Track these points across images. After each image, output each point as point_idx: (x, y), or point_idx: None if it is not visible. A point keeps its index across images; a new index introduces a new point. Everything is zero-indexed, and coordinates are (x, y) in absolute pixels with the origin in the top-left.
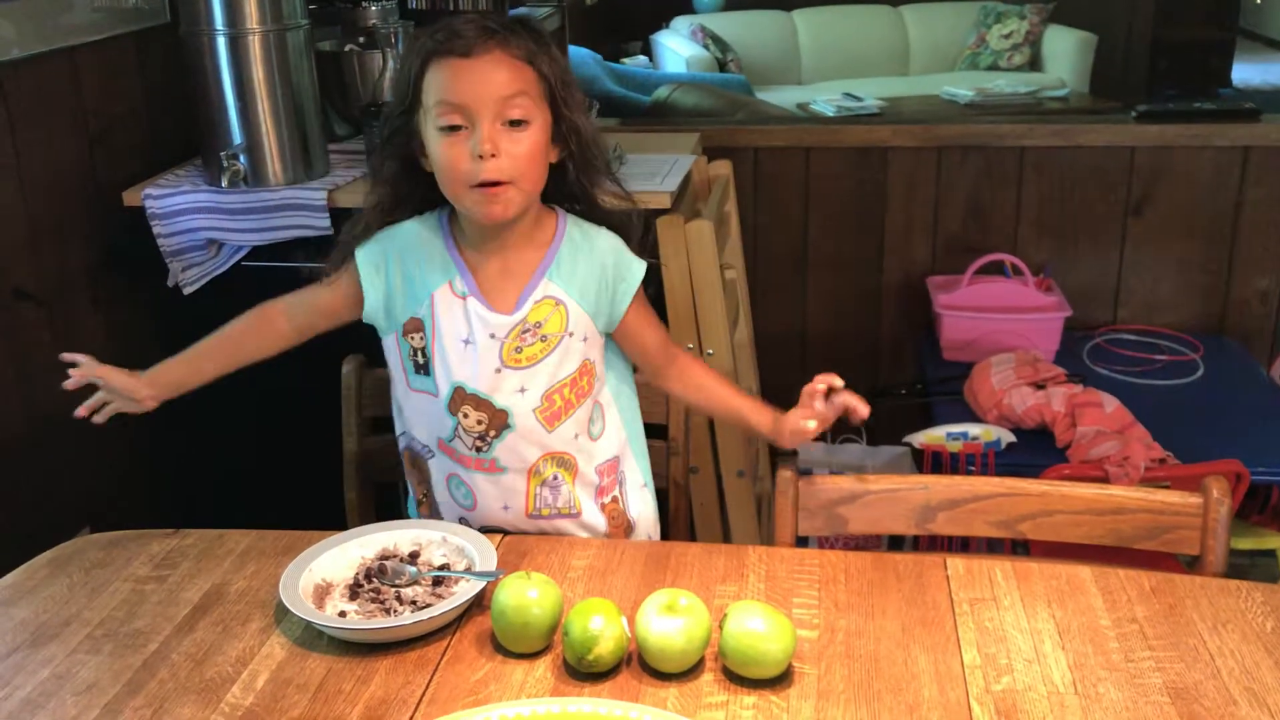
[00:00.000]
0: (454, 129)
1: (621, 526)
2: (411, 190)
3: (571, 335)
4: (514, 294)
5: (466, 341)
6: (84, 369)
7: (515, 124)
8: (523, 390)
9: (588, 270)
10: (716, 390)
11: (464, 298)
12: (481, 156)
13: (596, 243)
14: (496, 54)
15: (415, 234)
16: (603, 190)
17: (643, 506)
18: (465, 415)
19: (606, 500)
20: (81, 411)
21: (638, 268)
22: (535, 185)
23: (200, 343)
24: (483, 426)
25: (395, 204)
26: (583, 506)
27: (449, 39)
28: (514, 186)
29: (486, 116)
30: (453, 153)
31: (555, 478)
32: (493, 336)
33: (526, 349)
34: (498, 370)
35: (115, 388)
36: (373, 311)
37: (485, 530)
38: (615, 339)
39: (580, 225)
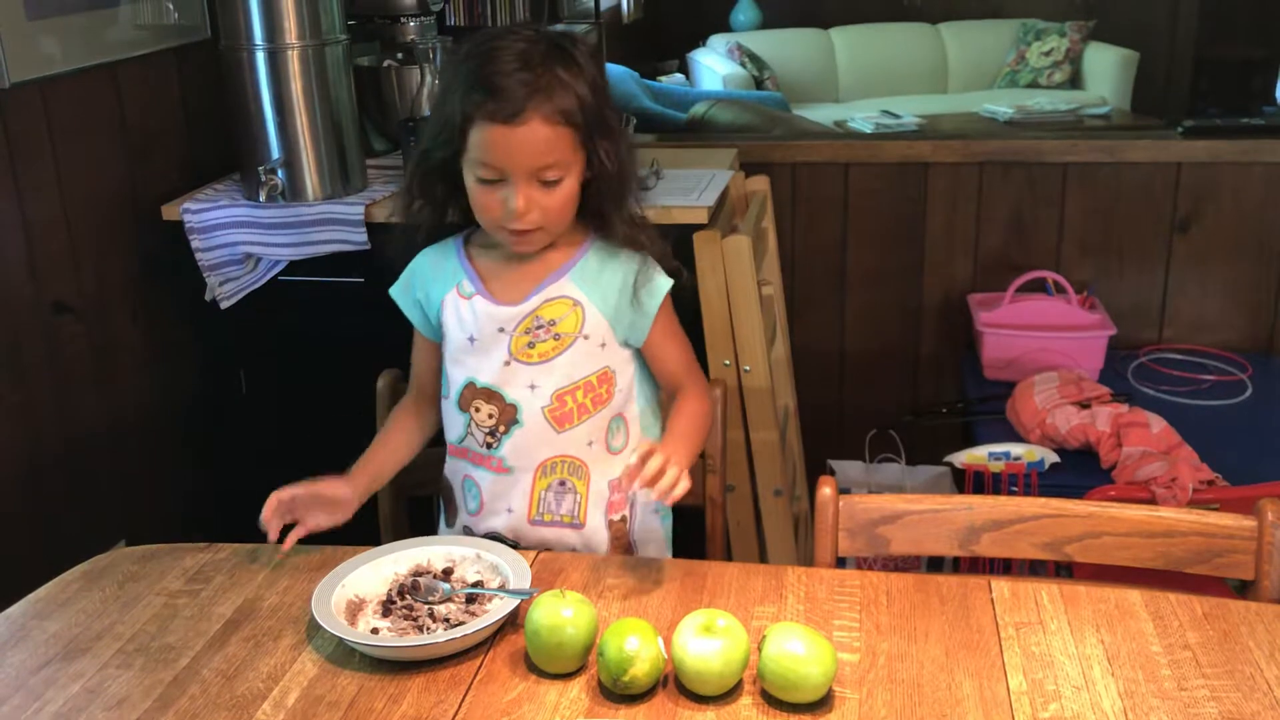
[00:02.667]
0: (490, 181)
1: (621, 547)
2: (456, 203)
3: (587, 338)
4: (527, 288)
5: (472, 339)
6: (283, 505)
7: (549, 183)
8: (533, 387)
9: (611, 277)
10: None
11: (470, 297)
12: (511, 214)
13: (623, 258)
14: (536, 122)
15: (429, 259)
16: (626, 214)
17: (651, 531)
18: (477, 409)
19: (615, 517)
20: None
21: (663, 280)
22: (565, 223)
23: (372, 449)
24: (493, 421)
25: (440, 218)
26: (588, 518)
27: (492, 97)
28: (543, 231)
29: (521, 178)
30: (488, 200)
31: (563, 483)
32: (501, 330)
33: (539, 344)
34: (507, 364)
35: (320, 493)
36: (433, 333)
37: (489, 537)
38: (644, 354)
39: (608, 243)
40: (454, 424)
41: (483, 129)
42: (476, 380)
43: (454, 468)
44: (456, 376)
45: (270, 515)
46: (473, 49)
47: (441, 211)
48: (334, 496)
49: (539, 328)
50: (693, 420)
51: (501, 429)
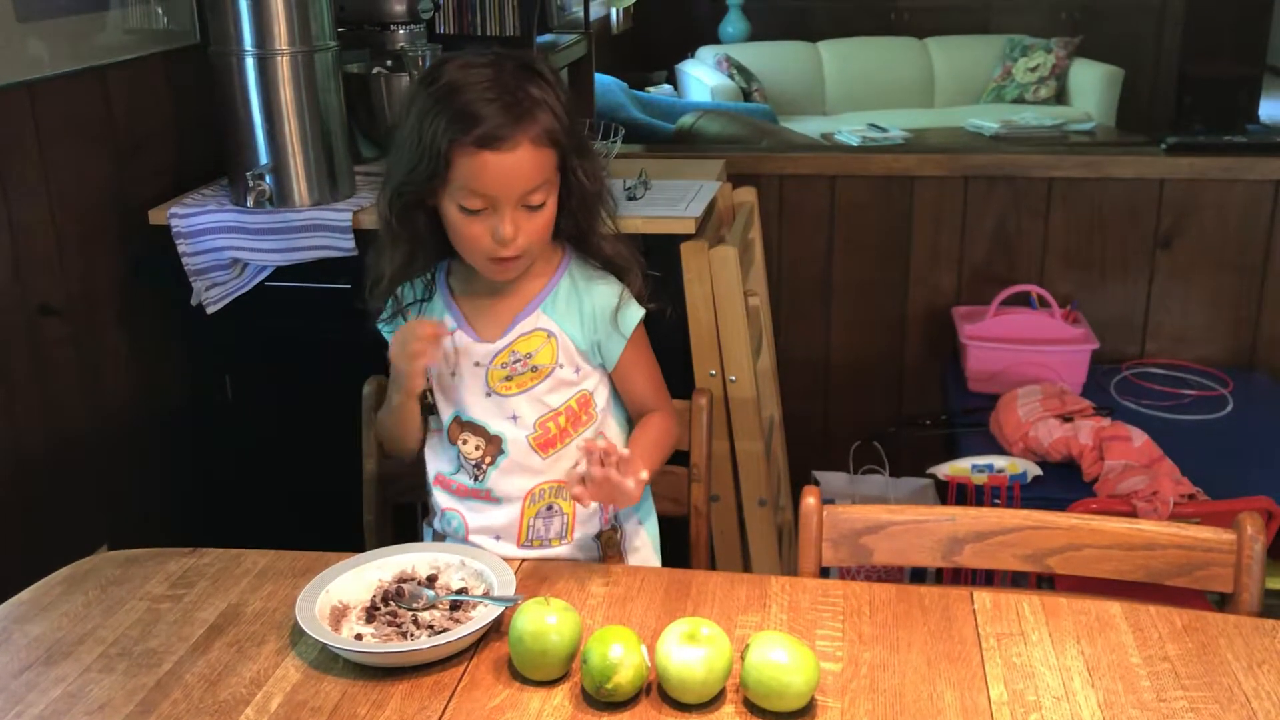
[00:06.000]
0: (476, 211)
1: (613, 557)
2: (434, 236)
3: (562, 367)
4: (504, 323)
5: (454, 374)
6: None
7: (534, 207)
8: (514, 418)
9: (584, 307)
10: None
11: (452, 333)
12: (501, 241)
13: (596, 284)
14: (525, 146)
15: (414, 291)
16: (605, 230)
17: (639, 538)
18: (464, 442)
19: (606, 529)
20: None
21: (634, 311)
22: (544, 245)
23: None
24: (479, 452)
25: (419, 252)
26: (575, 535)
27: (476, 124)
28: (525, 256)
29: (509, 205)
30: (473, 230)
31: (550, 507)
32: (477, 364)
33: (517, 377)
34: (488, 395)
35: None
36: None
37: None
38: (613, 379)
39: (583, 266)
40: (444, 457)
41: (470, 158)
42: (461, 414)
43: (435, 500)
44: (444, 410)
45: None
46: (439, 77)
47: (427, 244)
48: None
49: (515, 361)
50: (658, 431)
51: (488, 460)
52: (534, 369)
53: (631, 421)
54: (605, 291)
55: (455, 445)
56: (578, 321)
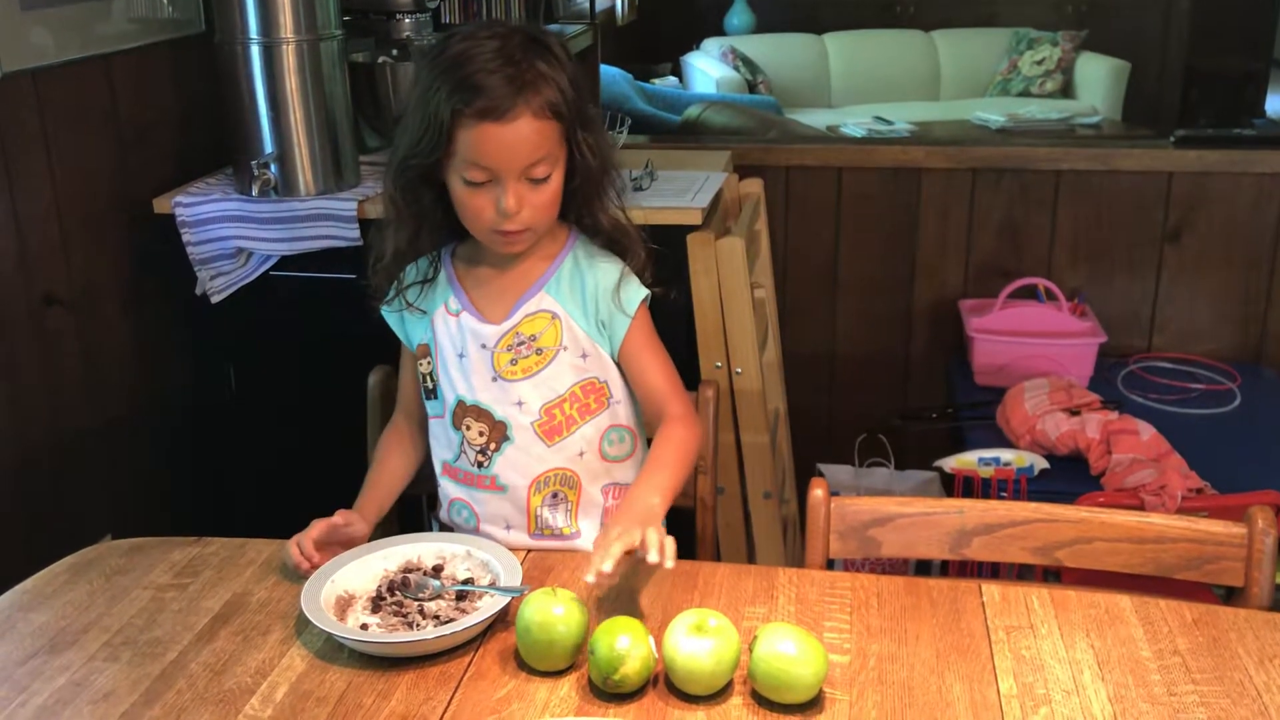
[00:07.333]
0: (479, 184)
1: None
2: (441, 213)
3: (567, 350)
4: (508, 304)
5: (461, 356)
6: (308, 553)
7: (538, 180)
8: (520, 403)
9: (586, 285)
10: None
11: (458, 314)
12: (504, 214)
13: (599, 262)
14: (526, 118)
15: (419, 270)
16: (609, 209)
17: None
18: (468, 428)
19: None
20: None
21: (637, 290)
22: (551, 220)
23: (373, 477)
24: (484, 439)
25: (424, 230)
26: (581, 529)
27: (477, 96)
28: (532, 230)
29: (512, 177)
30: (477, 202)
31: (555, 495)
32: (483, 347)
33: (522, 360)
34: (494, 380)
35: (339, 530)
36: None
37: None
38: (622, 364)
39: (588, 246)
40: (448, 443)
41: (471, 129)
42: (466, 398)
43: (444, 490)
44: (449, 393)
45: (301, 561)
46: (447, 49)
47: (432, 222)
48: (351, 536)
49: (520, 344)
50: (679, 448)
51: (493, 446)
52: (539, 351)
53: (640, 417)
54: (608, 269)
55: (460, 431)
56: (580, 301)
